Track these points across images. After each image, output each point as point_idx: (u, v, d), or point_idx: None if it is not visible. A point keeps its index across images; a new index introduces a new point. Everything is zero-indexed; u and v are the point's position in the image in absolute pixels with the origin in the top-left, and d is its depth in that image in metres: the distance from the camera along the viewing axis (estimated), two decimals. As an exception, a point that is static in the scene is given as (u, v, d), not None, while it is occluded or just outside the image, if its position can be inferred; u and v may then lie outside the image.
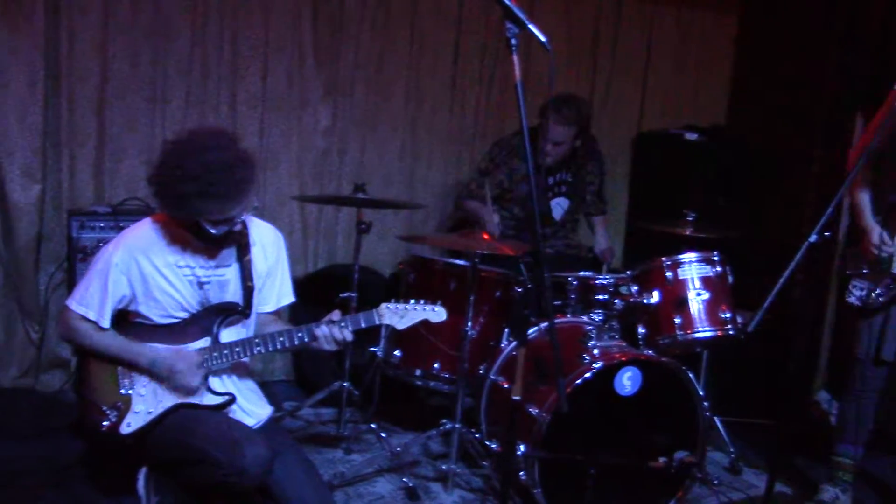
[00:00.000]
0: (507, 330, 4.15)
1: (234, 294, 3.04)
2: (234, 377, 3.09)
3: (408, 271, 4.27)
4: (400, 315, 3.02)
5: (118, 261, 2.90)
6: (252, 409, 3.09)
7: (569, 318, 4.05)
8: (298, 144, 5.14)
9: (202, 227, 2.83)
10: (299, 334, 2.95)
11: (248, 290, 3.04)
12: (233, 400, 2.98)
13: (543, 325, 3.87)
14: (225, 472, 2.71)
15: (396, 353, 4.14)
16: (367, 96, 5.25)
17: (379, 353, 4.20)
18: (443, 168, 5.54)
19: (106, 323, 2.92)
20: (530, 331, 3.85)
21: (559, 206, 4.95)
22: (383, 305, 3.02)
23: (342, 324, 2.95)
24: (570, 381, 3.52)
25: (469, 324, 3.89)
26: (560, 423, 3.48)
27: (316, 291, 4.73)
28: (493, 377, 3.97)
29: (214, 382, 2.99)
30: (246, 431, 2.88)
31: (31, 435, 4.01)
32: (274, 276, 3.17)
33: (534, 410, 3.59)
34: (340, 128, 5.23)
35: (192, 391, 2.91)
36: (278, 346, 2.96)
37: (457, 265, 4.14)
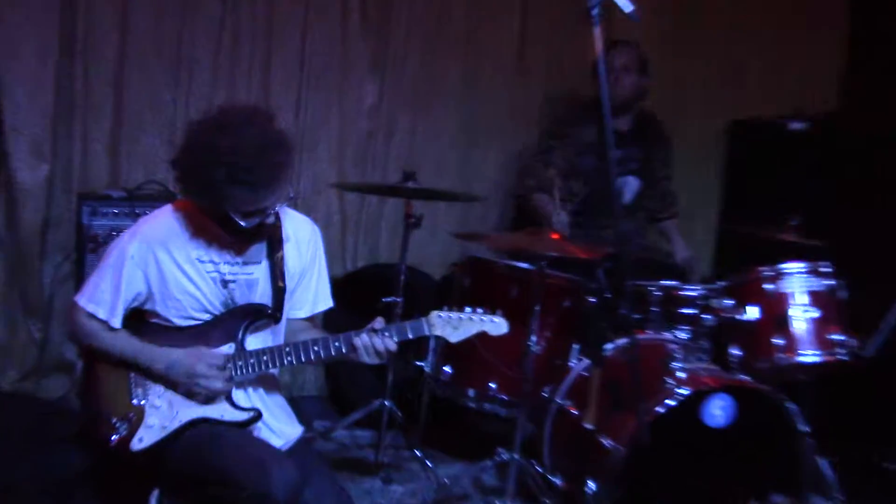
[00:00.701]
0: (577, 346, 4.13)
1: (262, 295, 3.04)
2: (261, 390, 3.08)
3: (462, 274, 4.26)
4: (453, 325, 2.99)
5: (134, 253, 2.90)
6: (280, 427, 3.09)
7: (650, 334, 4.01)
8: (339, 124, 5.14)
9: (230, 219, 2.82)
10: (336, 343, 2.94)
11: (278, 292, 3.04)
12: (259, 416, 2.98)
13: (622, 341, 3.85)
14: (248, 496, 2.70)
15: (446, 369, 4.14)
16: (420, 70, 5.25)
17: (426, 369, 4.19)
18: (504, 155, 5.52)
19: (117, 323, 2.93)
20: (605, 348, 3.83)
21: (629, 186, 4.94)
22: (434, 313, 2.99)
23: (385, 333, 2.93)
24: (651, 408, 3.48)
25: (533, 338, 3.85)
26: (638, 457, 3.46)
27: (355, 295, 4.69)
28: (559, 401, 3.94)
29: (238, 395, 2.99)
30: (273, 452, 2.88)
31: (31, 445, 4.02)
32: (309, 277, 3.16)
33: (607, 442, 3.56)
34: (388, 106, 5.23)
35: (214, 397, 2.91)
36: (312, 357, 2.94)
37: (520, 269, 4.11)
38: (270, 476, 2.71)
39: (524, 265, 4.12)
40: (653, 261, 4.84)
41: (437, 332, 2.99)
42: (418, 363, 4.20)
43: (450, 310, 3.01)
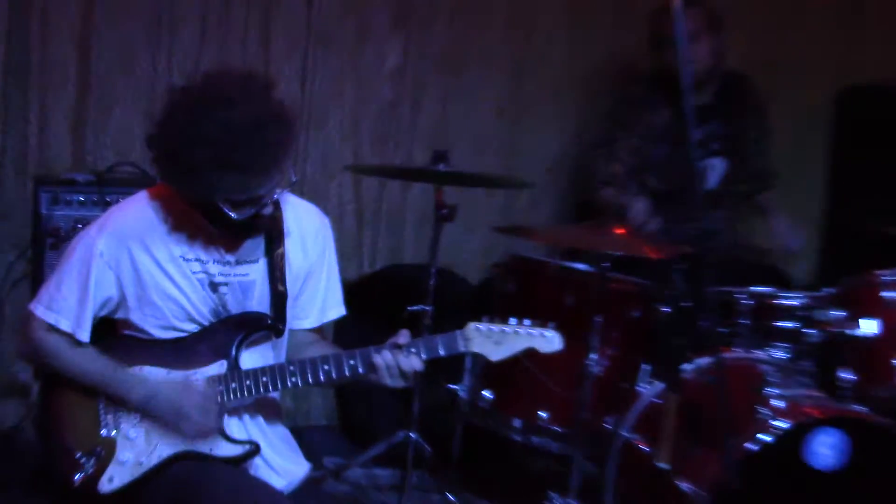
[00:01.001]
0: (647, 367, 4.11)
1: (260, 301, 3.04)
2: (260, 419, 3.08)
3: (505, 278, 4.26)
4: (495, 340, 2.99)
5: (103, 249, 2.91)
6: (282, 464, 3.09)
7: (739, 352, 3.97)
8: (354, 94, 5.16)
9: (218, 209, 2.82)
10: (351, 362, 2.94)
11: (279, 297, 3.04)
12: (256, 450, 2.97)
13: (703, 361, 3.83)
14: None
15: (486, 394, 4.14)
16: (453, 25, 5.26)
17: (461, 394, 4.19)
18: (560, 130, 5.53)
19: (84, 335, 2.93)
20: (683, 369, 3.81)
21: (713, 169, 4.92)
22: (471, 325, 2.99)
23: (412, 349, 2.93)
24: (740, 445, 3.45)
25: (593, 356, 3.86)
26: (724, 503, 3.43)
27: (373, 302, 4.74)
28: (626, 434, 3.92)
29: (232, 425, 2.98)
30: (271, 496, 2.87)
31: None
32: (317, 279, 3.16)
33: (686, 485, 3.54)
34: (414, 70, 5.25)
35: (208, 433, 2.92)
36: (321, 378, 2.95)
37: (577, 271, 4.12)
38: None
39: (582, 266, 4.12)
40: (743, 261, 4.80)
41: (475, 349, 2.98)
42: (451, 387, 4.21)
43: (491, 321, 3.00)
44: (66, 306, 2.92)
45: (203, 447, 2.92)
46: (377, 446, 4.33)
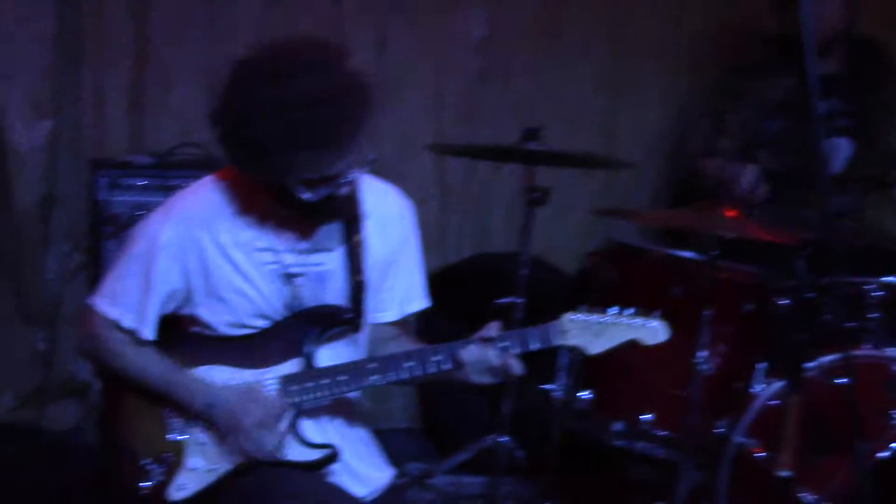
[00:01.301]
0: (763, 365, 4.05)
1: (336, 293, 3.03)
2: (339, 422, 3.08)
3: (604, 267, 4.25)
4: (594, 332, 2.96)
5: (168, 239, 2.92)
6: (364, 470, 3.09)
7: (868, 349, 3.92)
8: (436, 66, 5.18)
9: (290, 192, 2.82)
10: (436, 357, 2.93)
11: (357, 288, 3.03)
12: (335, 456, 2.97)
13: (828, 359, 3.77)
14: None
15: (584, 394, 4.12)
16: (546, -10, 5.25)
17: (556, 394, 4.18)
18: (662, 105, 5.52)
19: (148, 332, 2.95)
20: (805, 368, 3.73)
21: (837, 150, 4.84)
22: (567, 316, 2.96)
23: (502, 344, 2.90)
24: (871, 452, 3.45)
25: (703, 353, 3.82)
26: None
27: (459, 294, 4.72)
28: (740, 440, 3.88)
29: (308, 427, 2.98)
30: (347, 500, 2.88)
31: (33, 493, 4.12)
32: (398, 268, 3.15)
33: (809, 497, 3.53)
34: (503, 40, 5.26)
35: (265, 456, 2.92)
36: (404, 375, 2.94)
37: (684, 259, 4.09)
38: None
39: (689, 254, 4.09)
40: (874, 248, 4.71)
41: (572, 342, 2.95)
42: (545, 387, 4.18)
43: (589, 311, 2.97)
44: (128, 301, 2.93)
45: (282, 447, 2.93)
46: (464, 451, 4.32)
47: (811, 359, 3.78)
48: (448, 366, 2.91)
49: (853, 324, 3.96)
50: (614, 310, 2.99)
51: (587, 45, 5.36)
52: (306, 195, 2.81)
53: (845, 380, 3.40)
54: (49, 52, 4.60)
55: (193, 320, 2.99)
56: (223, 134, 2.83)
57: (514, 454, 4.19)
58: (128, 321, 2.93)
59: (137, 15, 4.72)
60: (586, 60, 5.37)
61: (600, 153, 5.24)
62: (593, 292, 4.22)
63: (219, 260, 2.93)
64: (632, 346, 3.01)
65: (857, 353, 3.86)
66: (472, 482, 4.61)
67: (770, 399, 3.89)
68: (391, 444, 4.68)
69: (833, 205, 4.46)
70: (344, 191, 2.88)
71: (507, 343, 2.90)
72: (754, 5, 4.98)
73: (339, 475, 3.01)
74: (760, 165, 4.72)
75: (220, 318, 2.97)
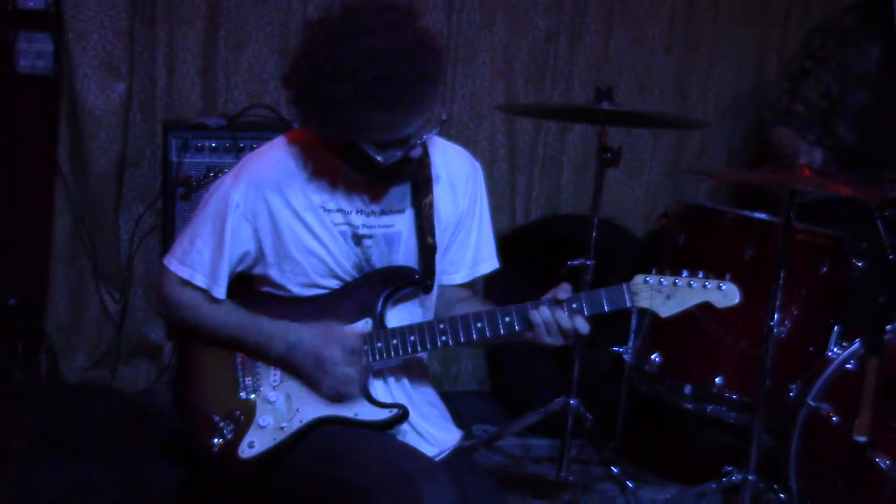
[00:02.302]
0: (839, 328, 4.05)
1: (407, 255, 3.04)
2: (406, 382, 3.08)
3: (676, 229, 4.24)
4: (666, 294, 2.93)
5: (240, 200, 2.93)
6: (432, 431, 3.08)
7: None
8: (507, 25, 5.13)
9: (362, 152, 2.81)
10: (507, 318, 2.90)
11: (427, 250, 3.03)
12: (404, 415, 2.97)
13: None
14: None
15: (655, 357, 4.12)
16: (617, -53, 5.22)
17: (626, 357, 4.19)
18: (736, 65, 5.47)
19: (221, 292, 2.97)
20: (885, 330, 3.68)
21: None
22: (639, 278, 2.93)
23: (573, 305, 2.88)
24: None
25: (776, 316, 3.76)
26: None
27: (529, 256, 4.73)
28: (813, 403, 3.86)
29: (377, 388, 2.99)
30: (424, 462, 2.86)
31: (106, 453, 4.16)
32: (468, 230, 3.15)
33: (885, 462, 3.48)
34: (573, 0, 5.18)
35: (350, 392, 2.93)
36: (474, 336, 2.92)
37: (758, 220, 4.07)
38: (420, 495, 2.68)
39: (764, 215, 4.07)
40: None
41: (643, 304, 2.92)
42: (615, 349, 4.18)
43: (661, 274, 2.94)
44: (200, 261, 2.95)
45: (347, 411, 2.93)
46: (533, 414, 4.32)
47: (889, 321, 3.72)
48: (518, 326, 2.89)
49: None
50: (686, 273, 2.95)
51: (659, 4, 5.30)
52: (378, 157, 2.80)
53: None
54: (124, 14, 4.60)
55: (265, 280, 3.00)
56: (297, 94, 2.83)
57: (582, 417, 4.21)
58: (199, 281, 2.94)
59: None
60: (660, 19, 5.32)
61: (672, 112, 5.21)
62: (664, 254, 4.26)
63: (290, 220, 2.93)
64: (704, 309, 2.96)
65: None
66: (541, 445, 4.63)
67: (845, 362, 3.85)
68: (459, 407, 4.74)
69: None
70: (416, 153, 2.87)
71: (577, 305, 2.88)
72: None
73: (408, 435, 3.01)
74: (837, 136, 4.67)
75: (291, 279, 2.98)
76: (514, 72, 5.15)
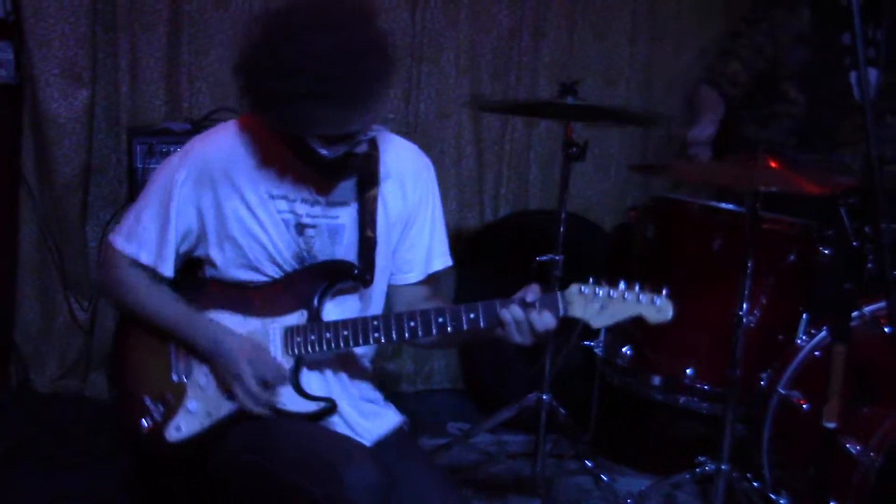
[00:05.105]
0: (807, 316, 4.06)
1: (348, 248, 3.05)
2: (344, 376, 3.10)
3: (644, 222, 4.25)
4: (599, 304, 2.88)
5: (185, 179, 2.94)
6: (364, 424, 3.09)
7: (913, 298, 3.86)
8: (471, 23, 5.14)
9: (308, 146, 2.83)
10: (471, 315, 2.88)
11: (367, 244, 3.03)
12: (332, 409, 2.98)
13: (873, 308, 3.74)
14: None
15: (625, 350, 4.14)
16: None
17: (597, 351, 4.19)
18: (699, 53, 5.50)
19: (167, 269, 2.97)
20: (850, 317, 3.57)
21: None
22: (574, 288, 2.89)
23: (538, 306, 2.86)
24: None
25: (745, 305, 3.79)
26: None
27: (498, 253, 4.72)
28: (783, 391, 3.89)
29: (311, 380, 3.01)
30: (346, 447, 2.86)
31: (79, 462, 4.17)
32: (419, 227, 3.16)
33: (854, 448, 3.51)
34: (536, -5, 5.21)
35: (257, 409, 2.93)
36: (433, 331, 2.91)
37: (724, 211, 4.09)
38: (342, 477, 2.69)
39: (730, 206, 4.08)
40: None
41: (577, 313, 2.88)
42: (586, 343, 4.20)
43: (596, 283, 2.91)
44: (146, 238, 2.96)
45: (274, 401, 2.94)
46: (507, 410, 4.32)
47: (855, 308, 3.72)
48: (484, 324, 2.88)
49: (896, 272, 3.94)
50: (623, 284, 2.90)
51: (622, -2, 5.33)
52: (323, 151, 2.81)
53: (890, 329, 3.38)
54: (86, 20, 4.58)
55: (207, 261, 3.01)
56: (244, 85, 2.82)
57: (556, 412, 4.23)
58: (145, 258, 2.95)
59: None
60: (623, 13, 5.35)
61: (636, 107, 5.24)
62: (634, 248, 4.25)
63: (234, 203, 2.94)
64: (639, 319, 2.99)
65: (902, 302, 3.84)
66: (515, 440, 4.64)
67: (813, 350, 3.89)
68: (434, 405, 4.77)
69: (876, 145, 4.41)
70: (362, 148, 2.89)
71: (541, 304, 2.85)
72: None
73: (337, 426, 3.02)
74: (789, 99, 4.70)
75: (231, 261, 2.98)
76: (479, 69, 5.16)
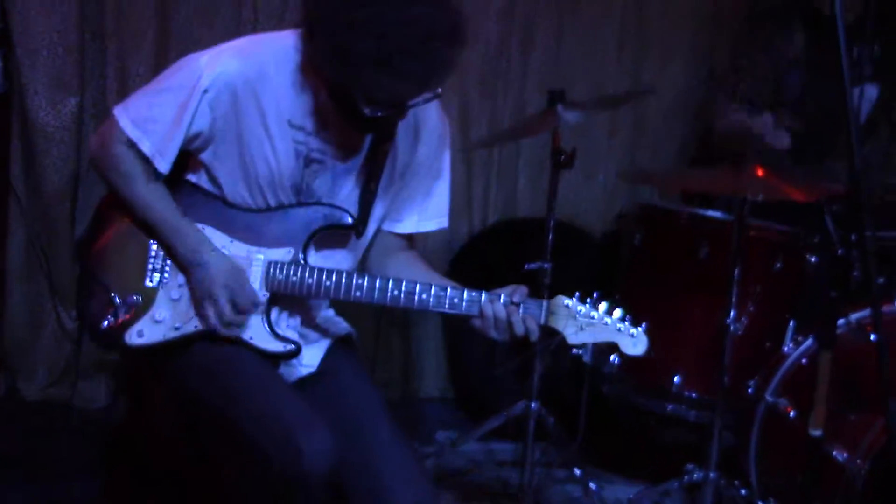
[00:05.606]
0: (794, 324, 4.09)
1: (348, 197, 3.04)
2: (312, 319, 3.12)
3: (632, 229, 4.25)
4: (580, 324, 2.91)
5: (209, 86, 2.86)
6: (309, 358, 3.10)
7: (900, 305, 3.91)
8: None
9: (352, 100, 2.77)
10: (455, 300, 2.89)
11: (367, 196, 3.03)
12: (296, 352, 2.98)
13: (859, 316, 3.76)
14: (274, 474, 2.72)
15: (613, 358, 4.15)
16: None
17: (585, 359, 4.18)
18: (687, 63, 5.51)
19: (164, 166, 2.90)
20: (836, 325, 3.57)
21: (864, 98, 4.74)
22: (560, 299, 2.92)
23: (524, 309, 2.88)
24: None
25: (732, 313, 3.80)
26: (886, 477, 3.42)
27: (487, 260, 4.71)
28: (771, 399, 3.90)
29: (279, 319, 3.03)
30: (304, 412, 2.83)
31: (69, 472, 4.13)
32: (422, 178, 3.15)
33: (841, 455, 3.52)
34: (524, 7, 5.23)
35: (221, 332, 2.92)
36: (414, 305, 2.91)
37: (711, 219, 4.11)
38: (300, 447, 2.69)
39: (717, 214, 4.10)
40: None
41: (557, 325, 2.90)
42: (575, 352, 4.17)
43: (582, 301, 2.92)
44: (153, 129, 2.88)
45: (243, 333, 2.93)
46: (495, 418, 4.31)
47: (841, 316, 3.75)
48: (463, 309, 2.89)
49: (883, 280, 3.90)
50: (607, 306, 2.91)
51: (612, 7, 5.35)
52: (367, 110, 2.76)
53: (876, 336, 3.39)
54: (74, 29, 4.58)
55: (201, 166, 2.97)
56: (313, 30, 2.75)
57: (544, 420, 4.21)
58: (146, 148, 2.87)
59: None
60: (611, 23, 5.36)
61: (624, 121, 5.26)
62: (622, 255, 4.26)
63: (251, 122, 2.89)
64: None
65: (888, 309, 3.81)
66: (504, 448, 4.64)
67: (800, 357, 3.90)
68: (423, 414, 4.77)
69: (860, 157, 4.42)
70: (403, 117, 2.89)
71: (527, 309, 2.88)
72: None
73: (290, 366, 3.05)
74: (783, 123, 4.70)
75: (227, 174, 2.96)
76: (468, 79, 5.17)
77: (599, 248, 5.07)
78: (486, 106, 5.21)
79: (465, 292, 2.88)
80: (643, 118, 5.44)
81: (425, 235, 3.22)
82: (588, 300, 2.90)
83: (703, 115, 5.22)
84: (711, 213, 4.12)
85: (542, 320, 2.88)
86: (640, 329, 2.90)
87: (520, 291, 2.89)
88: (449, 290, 2.88)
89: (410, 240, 3.20)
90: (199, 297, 2.90)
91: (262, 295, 2.93)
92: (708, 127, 5.00)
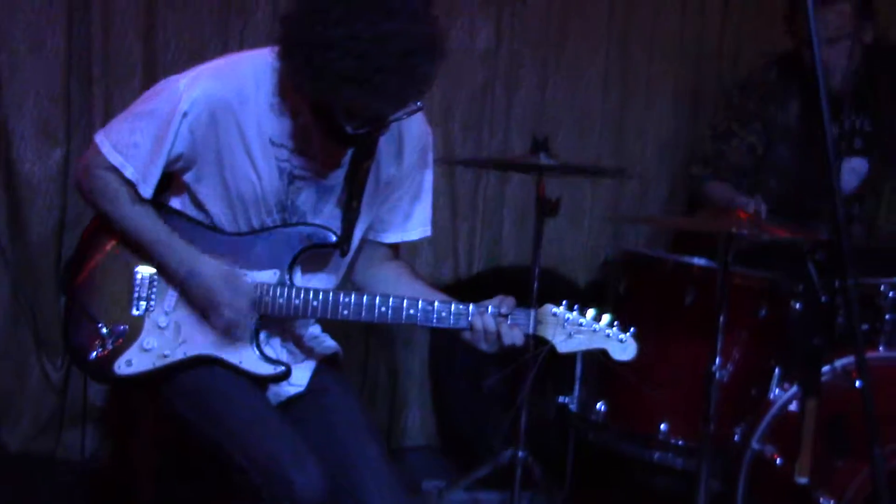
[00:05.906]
0: (779, 370, 4.07)
1: (332, 214, 3.06)
2: (300, 339, 3.14)
3: (617, 276, 4.26)
4: (569, 331, 2.94)
5: (188, 109, 2.88)
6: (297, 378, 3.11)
7: (883, 352, 3.91)
8: (444, 76, 5.10)
9: (333, 117, 2.79)
10: (442, 312, 2.91)
11: (350, 214, 3.04)
12: (286, 375, 2.99)
13: (843, 362, 3.75)
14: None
15: (599, 406, 4.15)
16: (552, -1, 5.24)
17: (572, 407, 4.21)
18: (671, 109, 5.51)
19: (147, 191, 2.94)
20: (821, 371, 3.68)
21: (853, 171, 4.77)
22: (548, 308, 2.96)
23: (511, 320, 2.92)
24: (890, 456, 3.36)
25: (718, 360, 3.79)
26: None
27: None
28: (757, 446, 3.89)
29: (269, 342, 3.04)
30: (293, 447, 2.86)
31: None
32: (406, 189, 3.18)
33: (828, 502, 3.54)
34: (509, 49, 5.24)
35: (236, 336, 2.95)
36: (402, 320, 2.93)
37: (696, 266, 4.12)
38: (293, 483, 2.73)
39: (702, 261, 4.11)
40: (886, 249, 4.72)
41: (546, 334, 2.95)
42: (561, 399, 4.20)
43: (570, 309, 2.96)
44: (135, 154, 2.92)
45: (233, 357, 2.96)
46: (482, 467, 4.32)
47: (826, 362, 3.73)
48: (452, 322, 2.91)
49: (867, 326, 3.95)
50: (594, 313, 2.96)
51: (596, 51, 5.36)
52: (348, 127, 2.78)
53: (861, 382, 3.39)
54: (58, 78, 4.58)
55: (185, 188, 3.00)
56: (289, 47, 2.75)
57: (531, 468, 4.21)
58: (129, 173, 2.92)
59: (146, 31, 4.66)
60: (595, 65, 5.37)
61: (609, 162, 5.25)
62: (606, 303, 4.25)
63: (232, 142, 2.91)
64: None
65: (872, 355, 3.85)
66: (491, 498, 4.56)
67: (786, 404, 3.89)
68: (409, 463, 4.74)
69: (845, 211, 4.43)
70: (381, 133, 2.91)
71: (514, 319, 2.91)
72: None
73: (282, 386, 3.06)
74: (767, 188, 4.70)
75: (211, 196, 2.97)
76: (452, 121, 5.18)
77: (584, 297, 5.05)
78: (470, 148, 5.22)
79: (453, 305, 2.91)
80: (630, 160, 5.42)
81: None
82: (576, 307, 2.93)
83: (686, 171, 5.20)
84: (696, 260, 4.13)
85: (531, 330, 2.92)
86: (628, 334, 2.95)
87: (507, 302, 2.93)
88: (436, 303, 2.91)
89: (395, 249, 3.24)
90: (202, 309, 2.93)
91: (251, 318, 2.94)
92: (695, 190, 4.98)
